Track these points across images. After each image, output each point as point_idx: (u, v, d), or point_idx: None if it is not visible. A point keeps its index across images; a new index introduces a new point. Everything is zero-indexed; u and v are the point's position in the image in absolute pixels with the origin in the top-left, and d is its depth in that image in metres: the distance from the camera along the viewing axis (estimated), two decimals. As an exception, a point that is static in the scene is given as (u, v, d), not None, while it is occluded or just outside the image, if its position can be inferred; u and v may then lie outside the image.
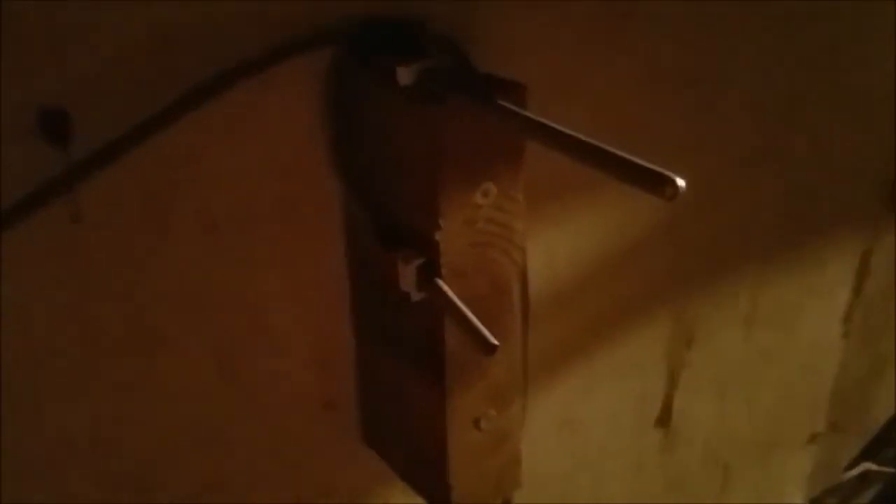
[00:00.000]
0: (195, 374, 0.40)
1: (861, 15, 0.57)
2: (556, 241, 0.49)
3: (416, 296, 0.36)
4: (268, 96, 0.36)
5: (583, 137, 0.26)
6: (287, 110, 0.37)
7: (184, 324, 0.38)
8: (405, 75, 0.33)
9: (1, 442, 0.35)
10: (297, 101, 0.37)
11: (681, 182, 0.23)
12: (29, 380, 0.36)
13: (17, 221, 0.31)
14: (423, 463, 0.42)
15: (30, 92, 0.31)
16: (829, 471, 0.81)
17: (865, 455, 0.82)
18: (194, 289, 0.38)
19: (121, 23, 0.32)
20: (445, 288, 0.35)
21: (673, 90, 0.50)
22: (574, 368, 0.56)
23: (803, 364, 0.72)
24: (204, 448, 0.42)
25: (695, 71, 0.51)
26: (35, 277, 0.34)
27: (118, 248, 0.35)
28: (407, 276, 0.36)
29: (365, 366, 0.44)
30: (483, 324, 0.34)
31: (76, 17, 0.31)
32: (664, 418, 0.64)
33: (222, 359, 0.40)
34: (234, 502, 0.44)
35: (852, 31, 0.57)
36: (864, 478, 0.84)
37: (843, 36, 0.57)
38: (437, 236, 0.34)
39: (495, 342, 0.33)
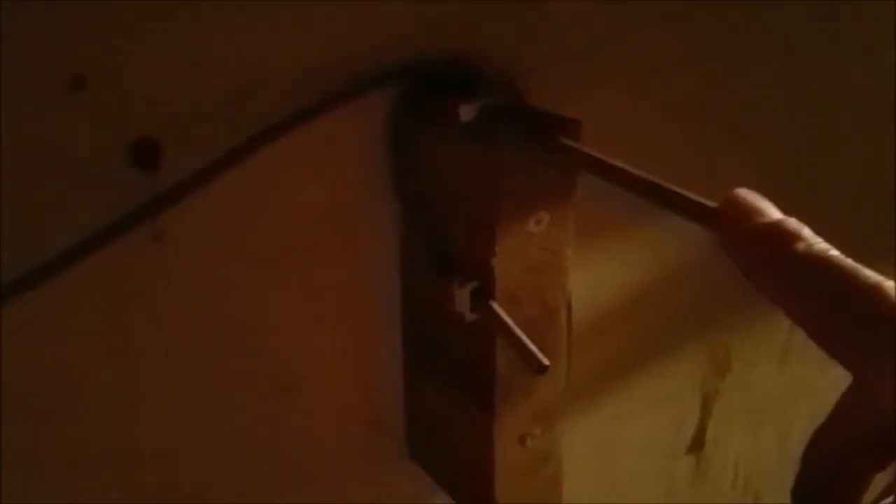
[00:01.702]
0: (254, 392, 0.42)
1: (882, 38, 0.59)
2: (601, 271, 0.51)
3: (469, 317, 0.38)
4: (333, 134, 0.39)
5: (637, 172, 0.28)
6: (350, 146, 0.40)
7: (248, 343, 0.41)
8: (466, 112, 0.36)
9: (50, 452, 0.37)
10: (359, 138, 0.40)
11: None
12: (97, 390, 0.38)
13: (110, 241, 0.33)
14: (469, 478, 0.44)
15: (125, 122, 0.34)
16: None
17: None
18: (260, 310, 0.40)
19: (214, 63, 0.35)
20: (499, 310, 0.37)
21: (712, 126, 0.53)
22: (611, 395, 0.57)
23: (835, 398, 0.72)
24: (256, 465, 0.44)
25: (729, 107, 0.53)
26: (121, 290, 0.36)
27: (194, 270, 0.38)
28: (462, 298, 0.38)
29: (412, 385, 0.46)
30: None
31: (177, 55, 0.34)
32: (697, 446, 0.65)
33: (282, 380, 0.43)
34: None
35: (874, 56, 0.59)
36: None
37: (862, 61, 0.59)
38: (493, 262, 0.37)
39: (547, 362, 0.35)
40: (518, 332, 0.36)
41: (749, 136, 0.55)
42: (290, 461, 0.45)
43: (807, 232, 0.25)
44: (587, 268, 0.50)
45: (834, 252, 0.24)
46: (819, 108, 0.58)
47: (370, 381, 0.46)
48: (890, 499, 0.28)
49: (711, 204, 0.26)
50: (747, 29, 0.52)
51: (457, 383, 0.42)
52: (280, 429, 0.44)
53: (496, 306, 0.37)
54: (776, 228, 0.25)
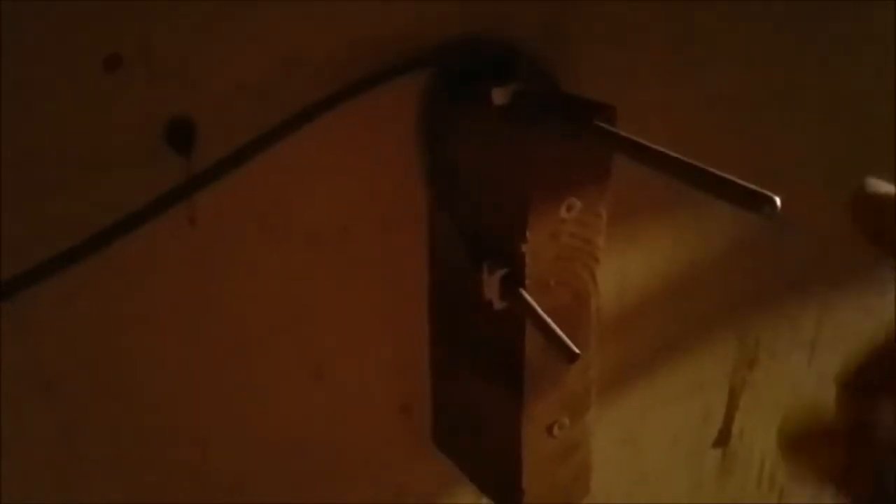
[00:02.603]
0: (289, 378, 0.42)
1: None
2: (628, 261, 0.51)
3: (498, 304, 0.38)
4: (365, 118, 0.39)
5: (681, 157, 0.28)
6: (382, 131, 0.40)
7: (280, 328, 0.41)
8: (500, 95, 0.35)
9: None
10: (391, 123, 0.40)
11: (778, 201, 0.24)
12: (133, 379, 0.38)
13: (143, 223, 0.33)
14: (496, 466, 0.44)
15: (161, 102, 0.34)
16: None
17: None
18: (292, 296, 0.41)
19: (249, 43, 0.35)
20: (528, 298, 0.37)
21: (749, 118, 0.52)
22: (637, 387, 0.57)
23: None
24: (290, 451, 0.44)
25: (768, 99, 0.52)
26: (157, 273, 0.36)
27: (226, 253, 0.38)
28: (491, 285, 0.38)
29: (440, 372, 0.46)
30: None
31: (212, 34, 0.34)
32: (723, 439, 0.64)
33: (312, 365, 0.43)
34: (314, 503, 0.46)
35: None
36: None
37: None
38: (524, 248, 0.36)
39: (577, 351, 0.35)
40: (548, 320, 0.36)
41: (784, 128, 0.55)
42: (320, 444, 0.45)
43: None
44: (613, 257, 0.50)
45: None
46: (847, 104, 0.57)
47: (400, 366, 0.46)
48: None
49: (765, 192, 0.26)
50: (786, 22, 0.51)
51: (485, 371, 0.42)
52: (311, 413, 0.44)
53: (526, 295, 0.37)
54: None
